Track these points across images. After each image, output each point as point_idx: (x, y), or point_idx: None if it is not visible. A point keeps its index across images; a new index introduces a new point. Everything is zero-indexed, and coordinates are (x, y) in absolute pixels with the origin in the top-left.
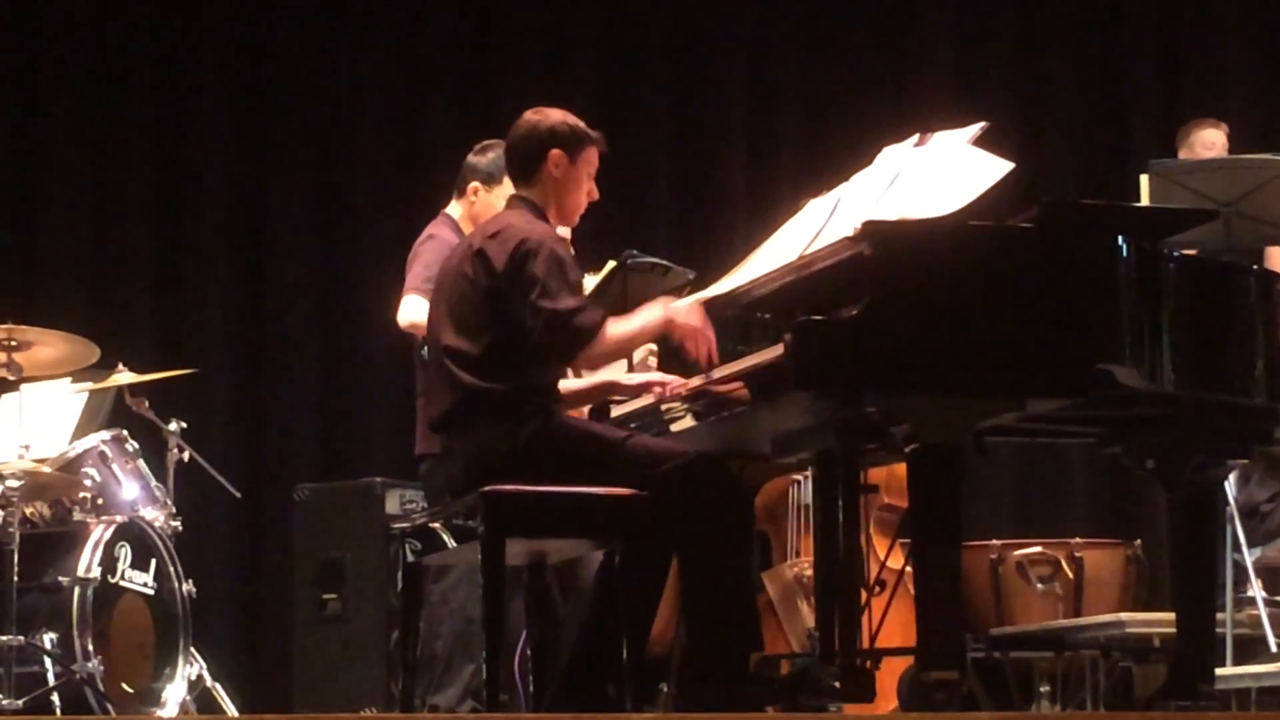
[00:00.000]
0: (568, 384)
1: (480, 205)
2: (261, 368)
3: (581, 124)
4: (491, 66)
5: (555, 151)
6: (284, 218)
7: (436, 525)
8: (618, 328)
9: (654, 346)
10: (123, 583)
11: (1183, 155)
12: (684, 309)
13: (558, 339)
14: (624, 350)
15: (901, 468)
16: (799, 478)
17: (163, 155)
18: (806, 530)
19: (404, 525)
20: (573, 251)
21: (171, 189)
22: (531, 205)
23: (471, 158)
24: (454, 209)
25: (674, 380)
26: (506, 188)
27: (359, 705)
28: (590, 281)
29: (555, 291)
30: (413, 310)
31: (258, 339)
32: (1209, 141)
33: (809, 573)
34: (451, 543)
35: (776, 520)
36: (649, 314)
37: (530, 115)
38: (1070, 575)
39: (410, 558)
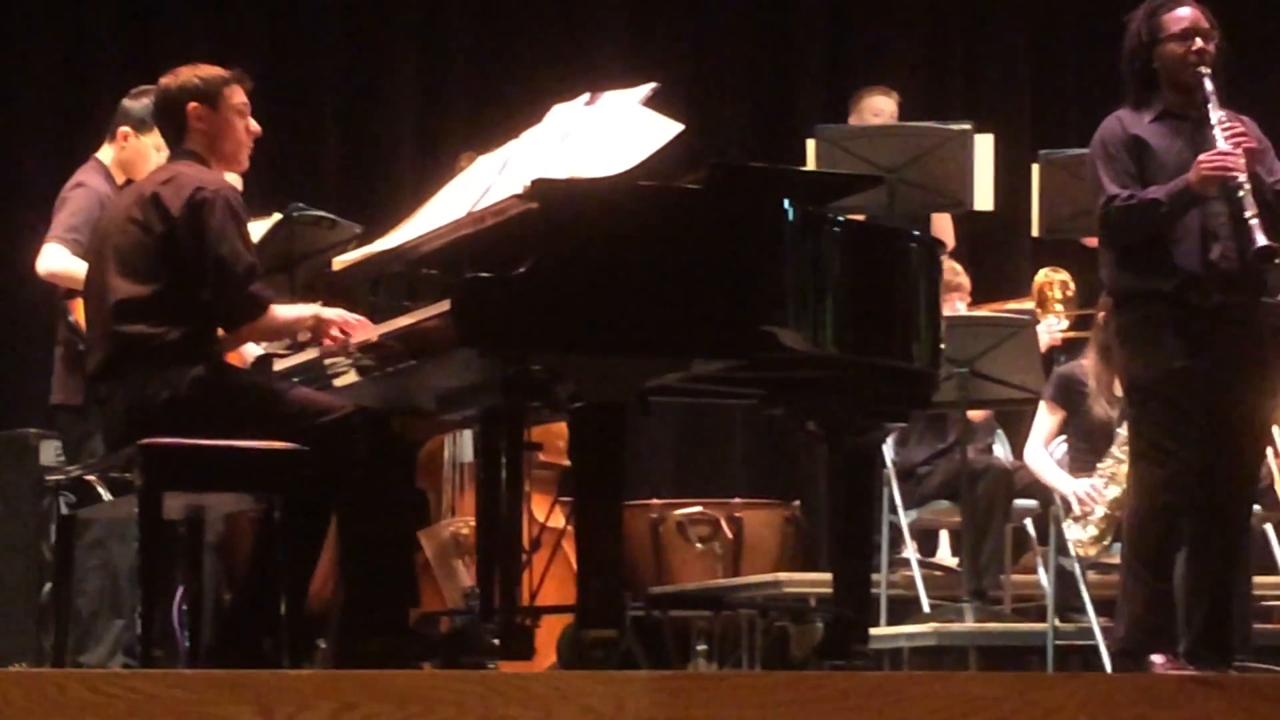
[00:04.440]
0: (282, 309)
1: (130, 151)
2: None
3: (213, 70)
4: (156, 17)
5: (192, 105)
6: None
7: (92, 478)
8: (279, 309)
9: None
10: None
11: (853, 121)
12: (332, 311)
13: (230, 299)
14: (274, 333)
15: (558, 426)
16: (455, 435)
17: None
18: (463, 488)
19: (59, 477)
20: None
21: None
22: (195, 156)
23: (126, 101)
24: (105, 153)
25: (364, 322)
26: (159, 135)
27: (8, 660)
28: (256, 231)
29: (232, 249)
30: (52, 259)
31: None
32: (877, 109)
33: (465, 531)
34: (107, 495)
35: (433, 477)
36: (301, 308)
37: (164, 79)
38: (729, 535)
39: (65, 510)
